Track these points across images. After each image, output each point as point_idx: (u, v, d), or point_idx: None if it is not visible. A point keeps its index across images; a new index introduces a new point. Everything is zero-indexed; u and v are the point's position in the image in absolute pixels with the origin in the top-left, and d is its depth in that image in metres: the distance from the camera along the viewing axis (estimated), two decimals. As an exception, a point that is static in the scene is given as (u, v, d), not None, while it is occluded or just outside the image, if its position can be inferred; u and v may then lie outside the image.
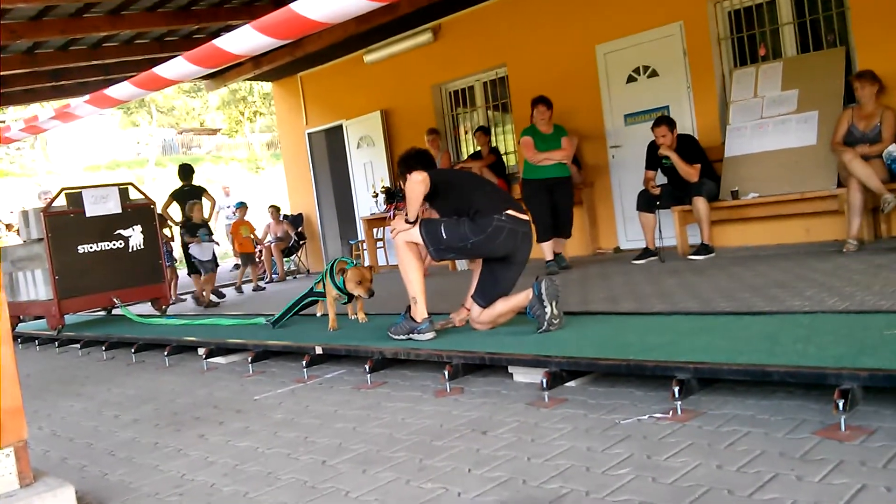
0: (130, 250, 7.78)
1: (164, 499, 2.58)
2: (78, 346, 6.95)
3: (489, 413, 3.03)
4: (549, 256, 7.51)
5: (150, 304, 8.33)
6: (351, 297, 5.20)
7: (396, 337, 4.19)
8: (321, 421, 3.28)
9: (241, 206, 12.35)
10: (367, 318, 5.28)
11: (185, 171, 10.33)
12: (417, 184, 4.06)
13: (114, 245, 7.67)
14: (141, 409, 4.09)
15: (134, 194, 8.03)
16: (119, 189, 7.80)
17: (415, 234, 4.13)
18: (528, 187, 7.63)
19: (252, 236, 11.75)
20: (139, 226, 7.86)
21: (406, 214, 4.21)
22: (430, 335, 4.12)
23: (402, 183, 4.54)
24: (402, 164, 4.50)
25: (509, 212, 4.11)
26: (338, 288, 5.12)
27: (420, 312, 4.14)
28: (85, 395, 4.77)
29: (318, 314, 5.74)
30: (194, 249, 9.45)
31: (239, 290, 11.16)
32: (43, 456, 3.40)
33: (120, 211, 7.73)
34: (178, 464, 2.96)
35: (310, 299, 5.55)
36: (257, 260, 12.42)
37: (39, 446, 3.57)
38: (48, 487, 2.44)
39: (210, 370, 4.99)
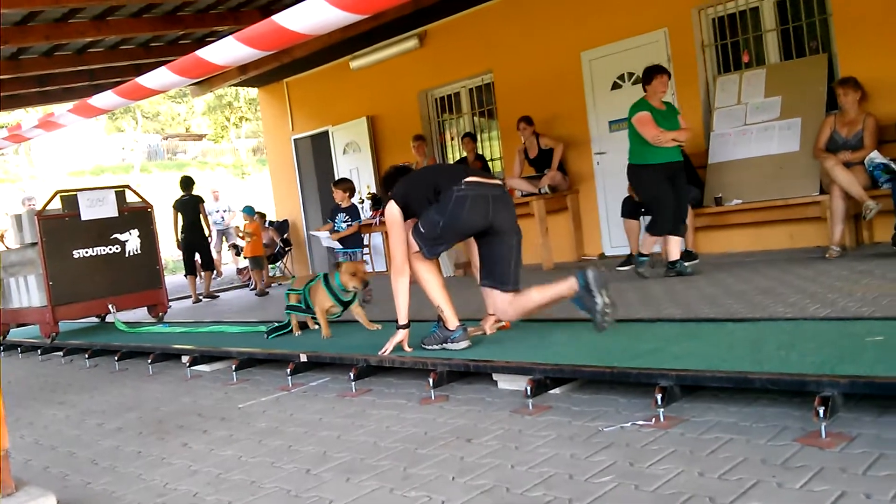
0: (127, 255, 7.62)
1: (146, 508, 2.57)
2: (61, 353, 6.90)
3: (473, 421, 3.03)
4: (676, 255, 6.40)
5: (146, 310, 8.19)
6: (344, 307, 5.01)
7: (430, 347, 3.96)
8: (305, 429, 3.28)
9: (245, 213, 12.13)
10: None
11: (185, 183, 10.90)
12: (394, 222, 3.96)
13: (110, 250, 7.51)
14: (124, 418, 4.07)
15: (131, 197, 7.87)
16: (115, 192, 7.64)
17: (412, 242, 3.96)
18: (646, 173, 6.42)
19: (252, 239, 11.59)
20: (136, 230, 7.69)
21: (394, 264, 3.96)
22: (464, 343, 3.90)
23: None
24: (384, 185, 4.42)
25: (469, 179, 3.87)
26: (333, 295, 4.93)
27: (450, 320, 3.93)
28: (68, 403, 4.74)
29: (312, 326, 5.46)
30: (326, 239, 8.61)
31: (259, 292, 10.94)
32: (25, 465, 3.37)
33: (116, 215, 7.56)
34: (162, 472, 2.94)
35: (290, 314, 5.41)
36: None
37: (21, 455, 3.54)
38: (30, 497, 2.43)
39: (194, 378, 4.97)
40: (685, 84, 8.08)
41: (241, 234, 11.66)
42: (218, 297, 11.19)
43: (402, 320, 3.97)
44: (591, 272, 3.61)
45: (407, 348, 3.98)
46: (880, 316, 3.78)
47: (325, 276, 5.06)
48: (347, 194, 7.66)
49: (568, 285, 3.69)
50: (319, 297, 5.03)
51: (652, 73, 6.48)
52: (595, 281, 3.59)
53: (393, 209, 3.98)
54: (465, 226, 3.90)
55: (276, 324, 5.59)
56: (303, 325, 5.50)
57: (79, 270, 7.30)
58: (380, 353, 3.96)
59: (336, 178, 12.34)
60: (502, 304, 3.95)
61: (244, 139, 38.55)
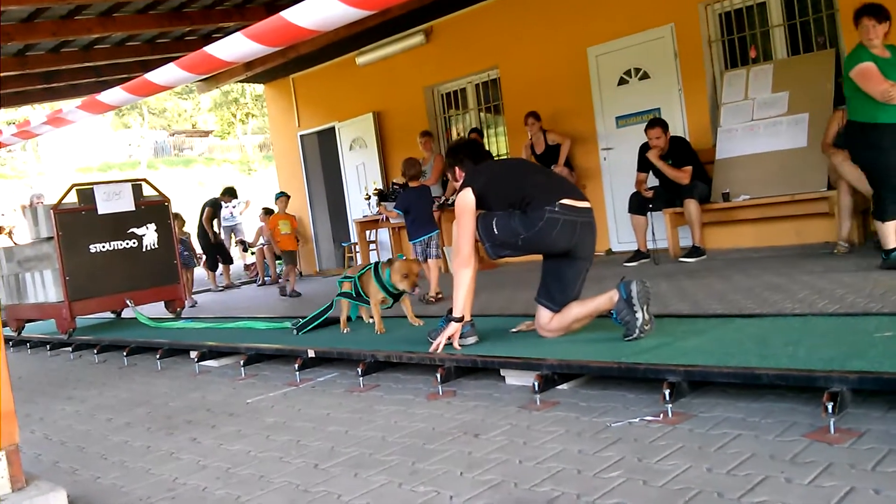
0: (144, 250, 7.47)
1: (155, 502, 2.58)
2: (70, 349, 6.92)
3: (481, 416, 3.03)
4: (894, 242, 5.18)
5: (164, 305, 8.05)
6: (395, 299, 4.78)
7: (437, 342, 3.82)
8: (313, 424, 3.28)
9: (281, 197, 10.65)
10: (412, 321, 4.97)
11: (227, 192, 13.03)
12: (467, 211, 3.75)
13: (127, 244, 7.36)
14: (133, 413, 4.08)
15: (148, 191, 7.74)
16: (132, 185, 7.50)
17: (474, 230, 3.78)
18: (876, 134, 5.13)
19: (292, 232, 10.34)
20: (153, 224, 7.54)
21: (458, 252, 3.77)
22: (472, 339, 3.82)
23: (449, 175, 4.33)
24: (451, 155, 4.26)
25: (564, 201, 3.68)
26: (383, 287, 4.67)
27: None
28: (77, 398, 4.76)
29: (367, 320, 5.17)
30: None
31: (291, 293, 9.76)
32: (35, 459, 3.39)
33: (133, 208, 7.41)
34: (171, 467, 2.95)
35: (337, 298, 5.09)
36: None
37: (31, 450, 3.56)
38: (40, 491, 2.44)
39: (202, 373, 4.99)
40: (692, 80, 8.07)
41: (279, 236, 10.65)
42: (221, 290, 12.35)
43: (457, 312, 3.74)
44: (634, 284, 3.46)
45: (457, 346, 3.77)
46: (889, 312, 3.77)
47: (376, 267, 4.76)
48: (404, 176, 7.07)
49: (608, 297, 3.55)
50: (371, 288, 4.77)
51: (857, 16, 5.23)
52: (638, 295, 3.44)
53: (468, 198, 3.77)
54: (546, 247, 3.78)
55: (304, 319, 5.31)
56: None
57: (95, 265, 7.15)
58: (431, 350, 3.77)
59: (343, 174, 12.41)
60: (544, 320, 3.80)
61: (250, 135, 38.62)
